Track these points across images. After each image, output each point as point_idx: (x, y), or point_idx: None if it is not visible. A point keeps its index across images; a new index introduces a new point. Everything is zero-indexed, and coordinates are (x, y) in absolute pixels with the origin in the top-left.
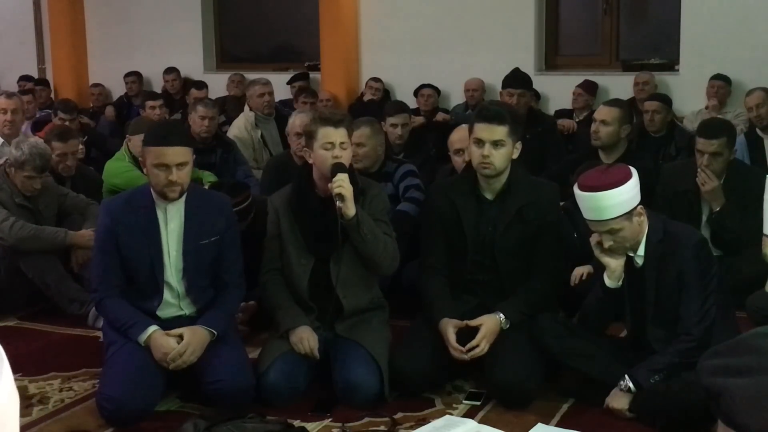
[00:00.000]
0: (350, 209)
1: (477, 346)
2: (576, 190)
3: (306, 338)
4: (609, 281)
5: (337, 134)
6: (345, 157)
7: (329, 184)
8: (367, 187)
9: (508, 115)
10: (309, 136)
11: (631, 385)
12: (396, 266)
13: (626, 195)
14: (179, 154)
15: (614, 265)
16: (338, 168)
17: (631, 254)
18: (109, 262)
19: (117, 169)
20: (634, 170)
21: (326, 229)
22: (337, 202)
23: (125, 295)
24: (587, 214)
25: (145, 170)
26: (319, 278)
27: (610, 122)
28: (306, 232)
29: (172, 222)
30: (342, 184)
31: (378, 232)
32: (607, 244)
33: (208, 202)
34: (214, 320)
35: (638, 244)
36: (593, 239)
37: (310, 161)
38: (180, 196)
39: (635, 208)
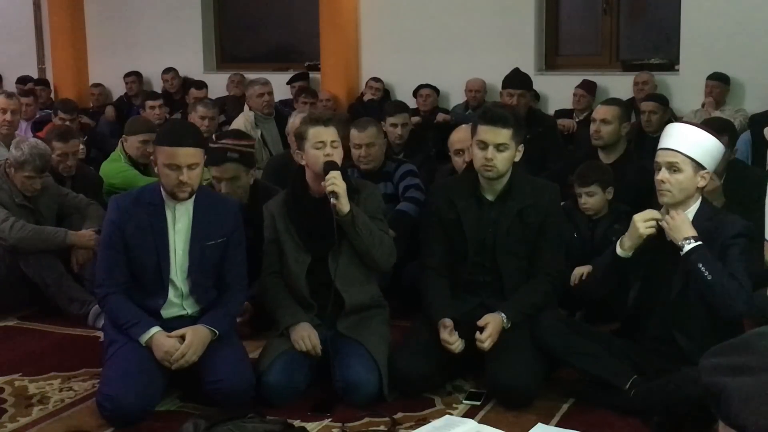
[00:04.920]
0: (344, 205)
1: (482, 341)
2: (668, 126)
3: (307, 335)
4: (621, 251)
5: (327, 133)
6: (336, 155)
7: (322, 182)
8: (360, 186)
9: (512, 119)
10: (300, 137)
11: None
12: (393, 261)
13: (708, 147)
14: (191, 155)
15: (642, 227)
16: (330, 166)
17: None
18: (115, 258)
19: (113, 170)
20: (726, 148)
21: (322, 228)
22: (331, 199)
23: (130, 292)
24: (663, 142)
25: (156, 169)
26: (317, 276)
27: (611, 120)
28: (302, 231)
29: (179, 222)
30: (335, 181)
31: (373, 227)
32: (661, 176)
33: (217, 204)
34: (216, 320)
35: (686, 207)
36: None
37: (303, 163)
38: (190, 196)
39: (705, 169)
